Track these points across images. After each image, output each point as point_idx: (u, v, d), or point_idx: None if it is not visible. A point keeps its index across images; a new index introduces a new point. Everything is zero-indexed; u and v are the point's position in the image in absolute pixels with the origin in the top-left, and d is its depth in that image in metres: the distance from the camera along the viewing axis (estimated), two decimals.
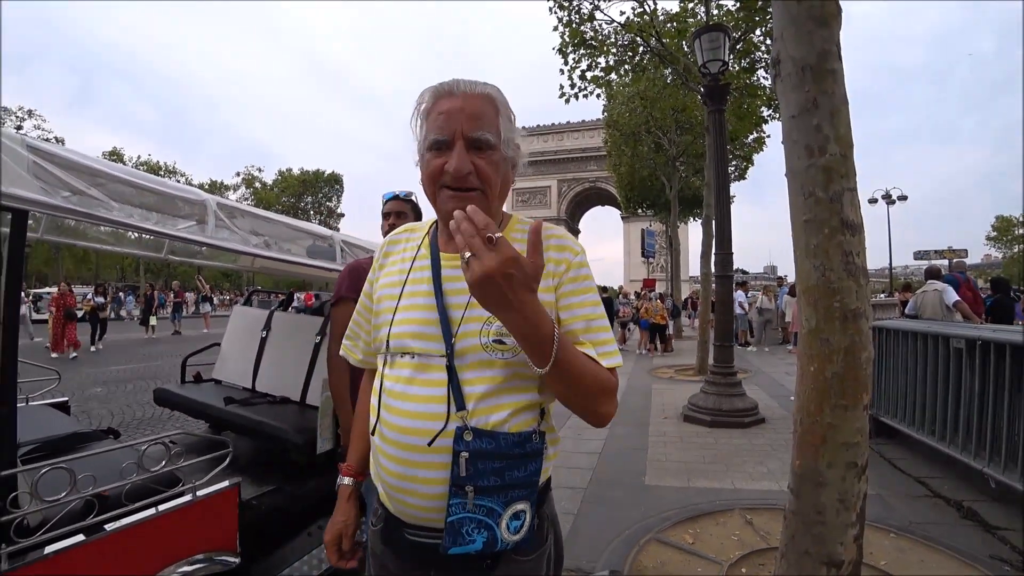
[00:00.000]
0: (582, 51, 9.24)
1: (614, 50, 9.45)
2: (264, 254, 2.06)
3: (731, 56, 6.96)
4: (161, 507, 1.52)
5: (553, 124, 42.68)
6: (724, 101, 6.53)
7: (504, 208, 1.02)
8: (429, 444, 0.86)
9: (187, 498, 1.59)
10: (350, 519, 1.08)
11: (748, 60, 9.19)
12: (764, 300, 13.64)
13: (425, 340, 0.92)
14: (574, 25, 8.95)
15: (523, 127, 1.00)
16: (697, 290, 14.42)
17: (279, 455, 2.24)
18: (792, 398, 3.79)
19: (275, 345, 2.84)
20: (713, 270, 7.21)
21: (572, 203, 43.47)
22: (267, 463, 2.34)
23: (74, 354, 10.94)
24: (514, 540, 0.84)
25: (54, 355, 10.70)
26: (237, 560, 1.69)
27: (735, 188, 15.60)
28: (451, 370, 0.88)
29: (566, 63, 9.31)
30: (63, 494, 1.33)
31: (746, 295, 14.29)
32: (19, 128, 28.84)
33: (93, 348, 12.19)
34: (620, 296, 14.84)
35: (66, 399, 2.63)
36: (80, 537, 1.34)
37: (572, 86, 9.46)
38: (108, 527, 1.40)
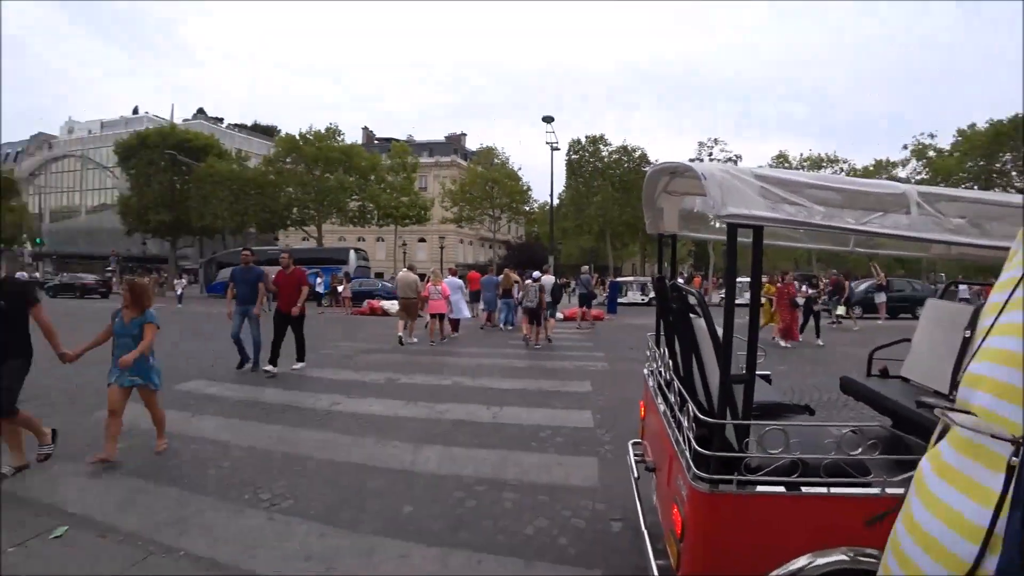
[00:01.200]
0: None
1: None
2: (965, 241, 1.77)
3: None
4: (850, 490, 1.61)
5: None
6: None
7: None
8: None
9: (875, 491, 1.61)
10: None
11: None
12: None
13: (989, 410, 0.57)
14: None
15: None
16: None
17: None
18: None
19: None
20: None
21: None
22: None
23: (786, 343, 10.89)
24: None
25: (784, 344, 10.74)
26: None
27: None
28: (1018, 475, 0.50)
29: None
30: (778, 450, 1.61)
31: None
32: (710, 155, 36.19)
33: (819, 341, 11.15)
34: None
35: (768, 372, 3.13)
36: (781, 489, 1.61)
37: None
38: (803, 490, 1.61)
